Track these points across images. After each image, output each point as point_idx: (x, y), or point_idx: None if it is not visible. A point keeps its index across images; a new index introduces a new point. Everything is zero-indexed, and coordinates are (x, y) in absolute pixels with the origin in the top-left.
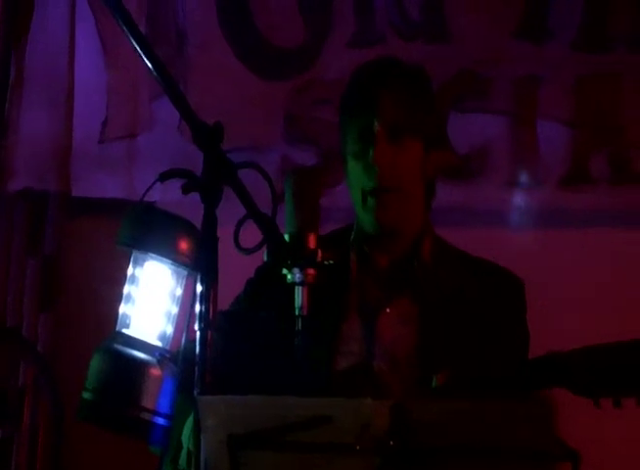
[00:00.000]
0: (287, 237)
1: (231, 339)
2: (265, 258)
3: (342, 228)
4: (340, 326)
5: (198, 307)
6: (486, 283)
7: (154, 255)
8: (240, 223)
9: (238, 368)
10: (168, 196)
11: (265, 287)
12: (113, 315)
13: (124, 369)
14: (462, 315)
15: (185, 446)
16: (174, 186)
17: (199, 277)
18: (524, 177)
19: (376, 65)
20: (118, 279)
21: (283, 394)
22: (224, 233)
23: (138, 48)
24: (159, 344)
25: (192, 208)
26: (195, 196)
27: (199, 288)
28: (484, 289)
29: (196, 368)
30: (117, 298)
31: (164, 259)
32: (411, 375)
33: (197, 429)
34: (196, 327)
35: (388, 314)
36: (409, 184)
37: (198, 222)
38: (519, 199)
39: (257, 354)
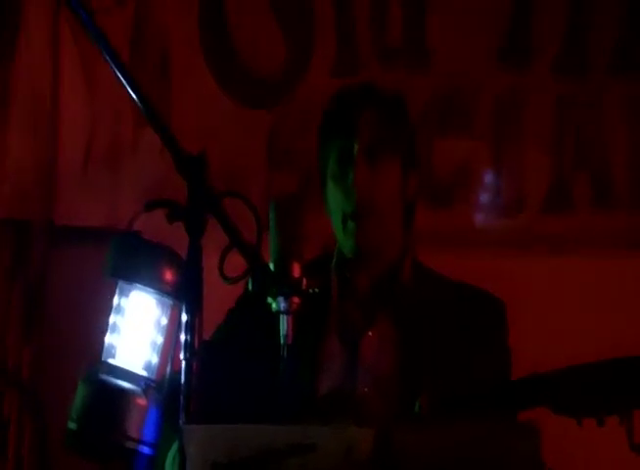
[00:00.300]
0: (271, 265)
1: (212, 369)
2: (250, 287)
3: (322, 254)
4: (321, 350)
5: (183, 337)
6: (467, 305)
7: (139, 285)
8: (224, 253)
9: (220, 397)
10: (152, 224)
11: (246, 315)
12: (97, 345)
13: (110, 399)
14: (444, 337)
15: None
16: (158, 214)
17: (184, 307)
18: (505, 201)
19: (353, 89)
20: (103, 308)
21: (266, 421)
22: (209, 262)
23: (121, 77)
24: (144, 373)
25: (176, 236)
26: (178, 223)
27: (184, 317)
28: (465, 311)
29: (181, 397)
30: (102, 327)
31: (149, 289)
32: (395, 397)
33: (182, 457)
34: (181, 356)
35: (370, 337)
36: (388, 207)
37: (182, 250)
38: (501, 223)
39: (239, 382)
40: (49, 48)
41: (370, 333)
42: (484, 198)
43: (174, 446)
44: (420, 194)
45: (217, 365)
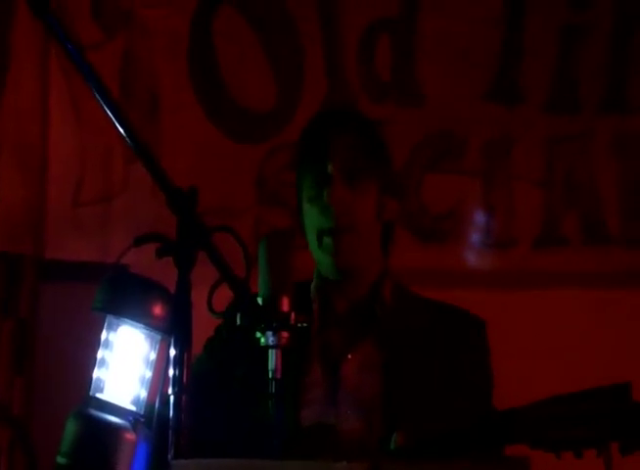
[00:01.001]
0: (260, 300)
1: (195, 400)
2: (239, 322)
3: (301, 281)
4: (303, 379)
5: (171, 371)
6: (448, 325)
7: (127, 319)
8: (214, 287)
9: (204, 429)
10: (142, 258)
11: (228, 346)
12: (87, 379)
13: (98, 434)
14: (425, 358)
15: None
16: (148, 249)
17: (172, 341)
18: (497, 238)
19: (327, 113)
20: (92, 343)
21: (251, 455)
22: (197, 295)
23: (110, 114)
24: (132, 408)
25: (165, 270)
26: (167, 258)
27: (172, 352)
28: (446, 331)
29: (170, 432)
30: (91, 361)
31: (138, 324)
32: (378, 420)
33: None
34: (169, 391)
35: (351, 361)
36: (365, 225)
37: (170, 284)
38: (492, 260)
39: (223, 415)
40: (39, 84)
41: (350, 356)
42: (476, 234)
43: None
44: (399, 221)
45: (200, 397)
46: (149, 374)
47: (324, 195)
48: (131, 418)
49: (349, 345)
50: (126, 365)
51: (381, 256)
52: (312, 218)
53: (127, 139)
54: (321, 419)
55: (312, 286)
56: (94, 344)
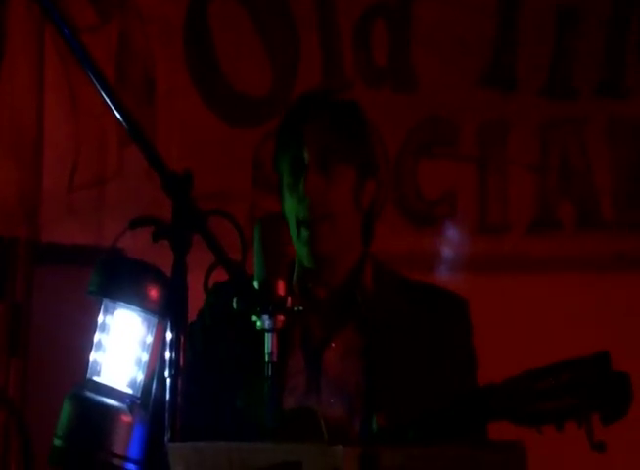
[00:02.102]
0: (256, 284)
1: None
2: (235, 306)
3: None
4: (285, 363)
5: (168, 354)
6: (429, 306)
7: (124, 303)
8: (210, 271)
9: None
10: (137, 242)
11: (214, 329)
12: (82, 362)
13: (95, 416)
14: (408, 342)
15: None
16: (143, 232)
17: (169, 324)
18: (491, 223)
19: (303, 98)
20: (87, 326)
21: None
22: (193, 279)
23: (106, 97)
24: (129, 391)
25: (160, 253)
26: (163, 241)
27: (169, 335)
28: (428, 311)
29: (166, 414)
30: (86, 345)
31: (134, 308)
32: (359, 407)
33: None
34: (166, 374)
35: (334, 348)
36: (341, 212)
37: (166, 268)
38: (486, 244)
39: (211, 398)
40: (34, 68)
41: (333, 344)
42: (470, 219)
43: None
44: (383, 203)
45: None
46: (145, 357)
47: (300, 184)
48: (128, 401)
49: (331, 332)
50: (123, 348)
51: (360, 241)
52: (290, 208)
53: (123, 122)
54: (303, 405)
55: (294, 274)
56: (88, 327)
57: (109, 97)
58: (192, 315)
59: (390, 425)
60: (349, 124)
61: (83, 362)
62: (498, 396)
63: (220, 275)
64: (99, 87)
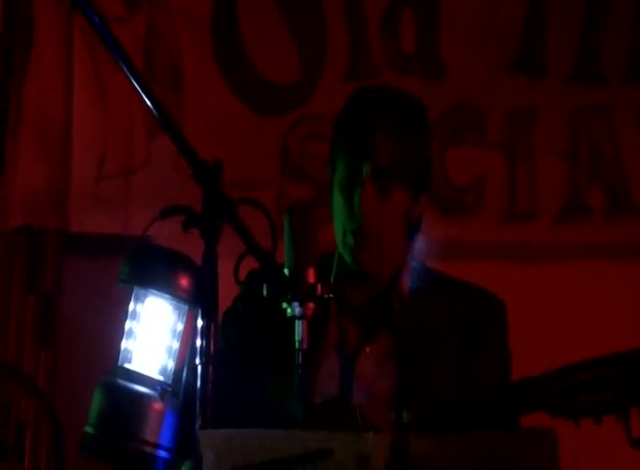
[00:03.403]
0: (286, 271)
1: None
2: (265, 293)
3: (325, 253)
4: (318, 367)
5: (198, 342)
6: (466, 306)
7: (154, 291)
8: (240, 259)
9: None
10: (164, 231)
11: (249, 317)
12: (112, 351)
13: (126, 403)
14: (442, 346)
15: None
16: (170, 222)
17: (199, 312)
18: (520, 210)
19: (370, 95)
20: (117, 315)
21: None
22: (223, 267)
23: (136, 85)
24: (160, 378)
25: (188, 242)
26: (192, 231)
27: (199, 323)
28: (464, 313)
29: (197, 402)
30: (116, 333)
31: (165, 295)
32: (388, 416)
33: (198, 463)
34: (197, 362)
35: (368, 354)
36: (391, 230)
37: (194, 256)
38: (515, 232)
39: (244, 385)
40: (62, 59)
41: (368, 349)
42: (499, 206)
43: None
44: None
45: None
46: (176, 345)
47: (354, 196)
48: (159, 388)
49: (366, 337)
50: (154, 336)
51: (404, 251)
52: (340, 213)
53: (153, 111)
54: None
55: (332, 275)
56: (117, 316)
57: (139, 85)
58: (222, 304)
59: (422, 416)
60: (417, 132)
61: (113, 352)
62: (536, 387)
63: (251, 263)
64: (129, 75)
